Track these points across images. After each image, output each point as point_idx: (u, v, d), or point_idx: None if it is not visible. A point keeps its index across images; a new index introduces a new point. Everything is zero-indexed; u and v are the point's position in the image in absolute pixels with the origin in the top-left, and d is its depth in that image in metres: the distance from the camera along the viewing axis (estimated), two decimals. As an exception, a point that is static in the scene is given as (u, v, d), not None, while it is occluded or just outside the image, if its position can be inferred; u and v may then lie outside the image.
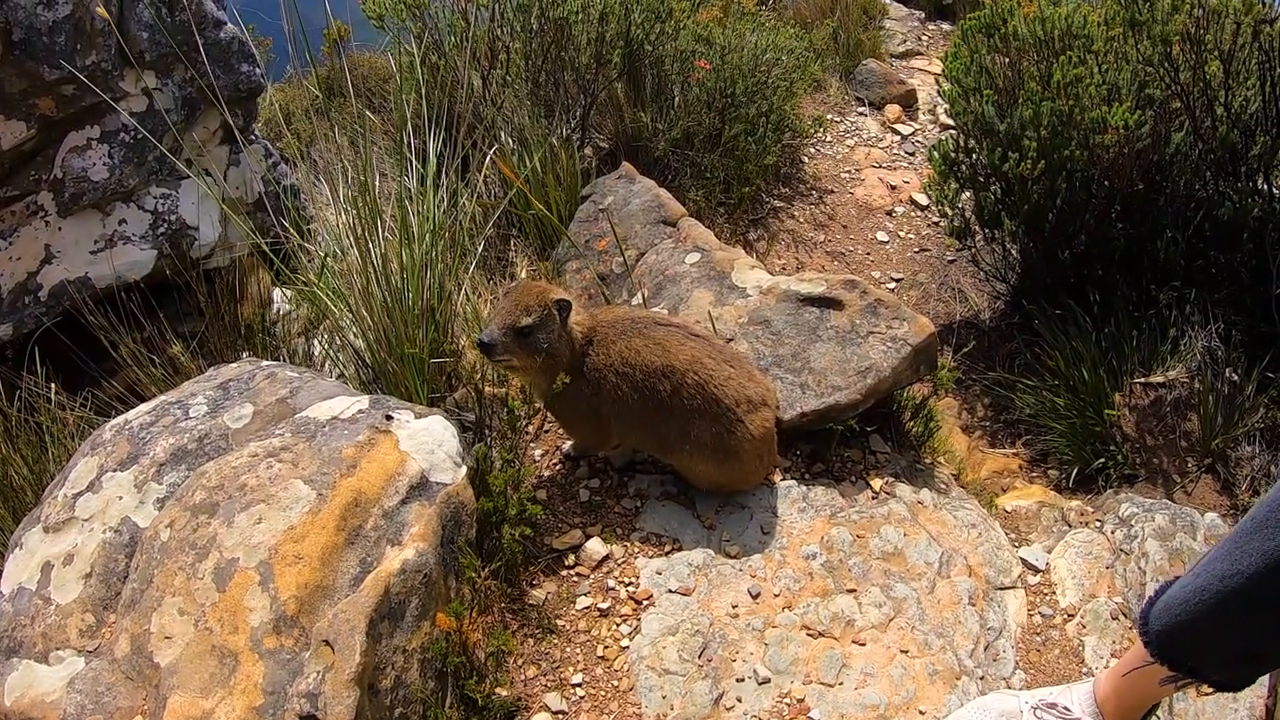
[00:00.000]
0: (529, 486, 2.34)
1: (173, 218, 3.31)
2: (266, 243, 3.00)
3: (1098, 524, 3.05)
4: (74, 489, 2.28)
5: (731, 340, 2.80)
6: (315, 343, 2.88)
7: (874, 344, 2.86)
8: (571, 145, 3.42)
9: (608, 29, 4.00)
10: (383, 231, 2.44)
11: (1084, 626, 2.60)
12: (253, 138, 3.72)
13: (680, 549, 2.37)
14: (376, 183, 2.80)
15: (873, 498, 2.76)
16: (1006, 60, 3.96)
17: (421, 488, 1.93)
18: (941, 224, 4.58)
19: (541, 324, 2.24)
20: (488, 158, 2.81)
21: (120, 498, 2.17)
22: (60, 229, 3.36)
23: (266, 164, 3.61)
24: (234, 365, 2.38)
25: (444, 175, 2.81)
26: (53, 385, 2.85)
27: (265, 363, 2.36)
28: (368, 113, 3.13)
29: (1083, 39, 3.78)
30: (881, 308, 2.93)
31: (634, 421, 2.36)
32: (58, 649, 2.02)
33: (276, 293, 3.17)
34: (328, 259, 2.60)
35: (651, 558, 2.34)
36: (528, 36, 4.00)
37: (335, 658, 1.63)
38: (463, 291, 2.74)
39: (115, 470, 2.24)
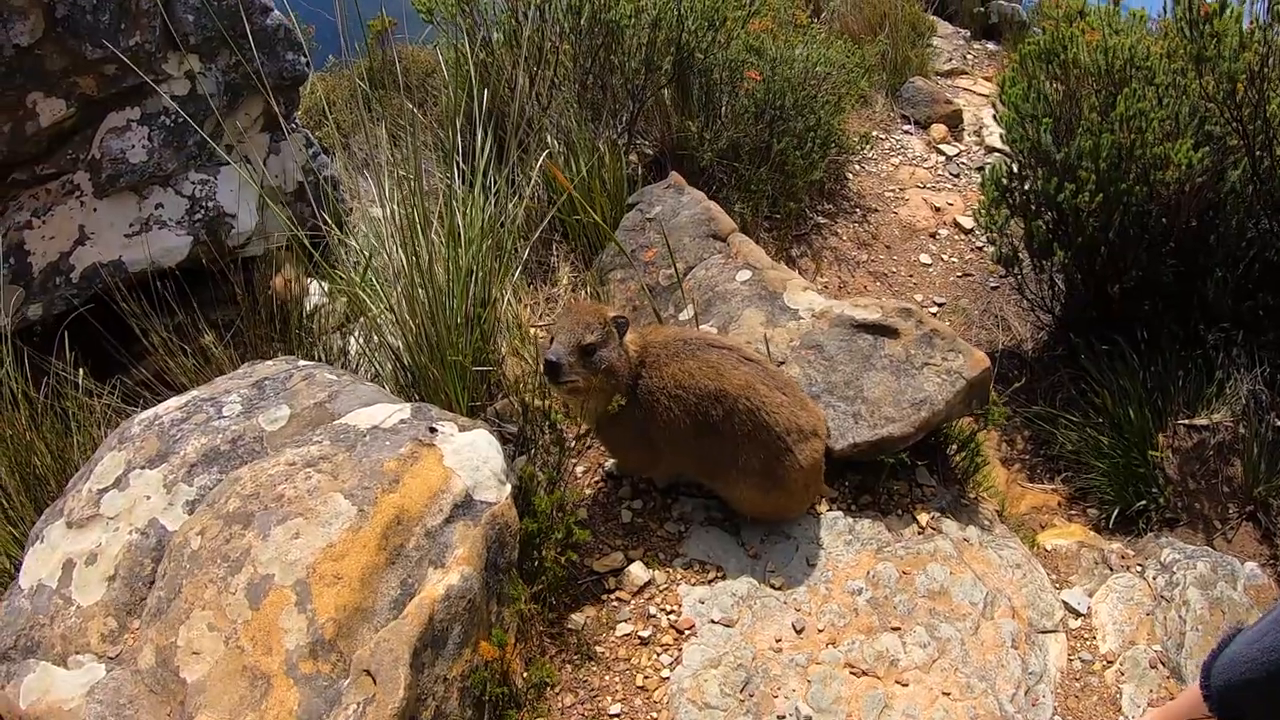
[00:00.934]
0: (572, 507, 2.26)
1: (210, 204, 3.24)
2: (304, 233, 2.93)
3: (1139, 568, 2.99)
4: (99, 484, 2.20)
5: (783, 364, 2.71)
6: (350, 339, 2.80)
7: (929, 375, 2.79)
8: (618, 150, 3.33)
9: (659, 35, 3.92)
10: (430, 233, 2.36)
11: (1123, 674, 2.55)
12: (294, 126, 3.65)
13: (724, 578, 2.31)
14: (424, 183, 2.72)
15: (919, 533, 2.69)
16: (1064, 88, 3.86)
17: (465, 506, 1.84)
18: (987, 250, 4.47)
19: (603, 341, 2.18)
20: (540, 161, 2.72)
21: (148, 497, 2.09)
22: (95, 210, 3.29)
23: (307, 153, 3.54)
24: (270, 363, 2.30)
25: (490, 176, 2.73)
26: (81, 370, 2.77)
27: (302, 363, 2.28)
28: (412, 107, 3.04)
29: (1144, 71, 3.67)
30: (937, 338, 2.86)
31: (683, 445, 2.28)
32: (77, 653, 1.94)
33: (313, 285, 3.09)
34: (370, 257, 2.51)
35: (694, 585, 2.27)
36: (577, 38, 3.92)
37: (377, 690, 1.54)
38: (506, 298, 2.65)
39: (143, 468, 2.16)
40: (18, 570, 2.41)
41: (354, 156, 4.09)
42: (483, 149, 2.89)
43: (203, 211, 3.23)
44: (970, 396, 2.81)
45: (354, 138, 4.27)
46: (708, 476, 2.39)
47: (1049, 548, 3.20)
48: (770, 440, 2.26)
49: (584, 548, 2.22)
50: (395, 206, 2.44)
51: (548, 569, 1.94)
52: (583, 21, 3.97)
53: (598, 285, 2.89)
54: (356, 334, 2.78)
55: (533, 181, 2.82)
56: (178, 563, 1.86)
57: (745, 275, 2.93)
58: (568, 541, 1.96)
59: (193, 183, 3.29)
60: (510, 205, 2.57)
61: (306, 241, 2.65)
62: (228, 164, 3.39)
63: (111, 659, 1.91)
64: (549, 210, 2.94)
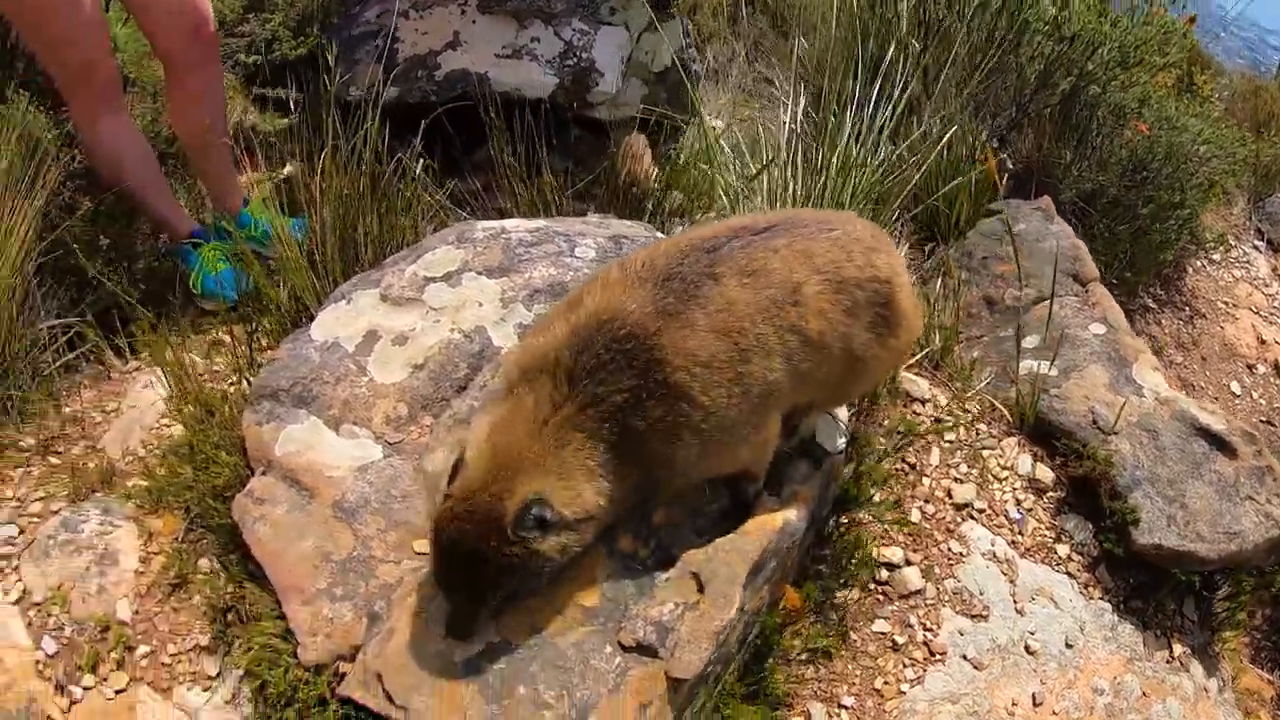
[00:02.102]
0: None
1: (584, 55, 3.23)
2: (659, 113, 2.87)
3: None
4: (427, 271, 2.20)
5: (1116, 433, 2.46)
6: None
7: (1248, 510, 2.58)
8: (992, 152, 3.10)
9: (1068, 51, 3.61)
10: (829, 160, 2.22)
11: None
12: (673, 13, 3.59)
13: (986, 619, 2.19)
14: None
15: (1168, 661, 2.50)
16: None
17: (810, 445, 1.72)
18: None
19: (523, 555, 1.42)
20: (981, 149, 2.52)
21: (480, 304, 2.07)
22: (474, 23, 3.36)
23: (682, 41, 3.47)
24: (628, 223, 2.24)
25: (882, 136, 2.57)
26: (421, 162, 2.81)
27: (659, 235, 2.20)
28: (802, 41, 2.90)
29: None
30: (1269, 477, 2.60)
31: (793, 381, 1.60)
32: (354, 424, 1.93)
33: (654, 170, 3.03)
34: (768, 162, 2.40)
35: (958, 614, 2.15)
36: (979, 22, 3.66)
37: (703, 600, 1.44)
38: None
39: (481, 274, 2.14)
40: (306, 317, 2.49)
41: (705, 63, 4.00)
42: (869, 101, 2.73)
43: (575, 59, 3.23)
44: (1277, 550, 2.56)
45: (709, 44, 4.19)
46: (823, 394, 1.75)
47: (1250, 736, 2.95)
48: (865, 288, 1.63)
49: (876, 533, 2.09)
50: (791, 124, 2.30)
51: (848, 540, 1.80)
52: (990, 12, 3.70)
53: (956, 273, 2.68)
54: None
55: (934, 154, 2.63)
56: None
57: (1099, 330, 2.68)
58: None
59: (574, 30, 3.29)
60: (903, 169, 2.39)
61: (671, 119, 2.56)
62: (610, 25, 3.37)
63: (390, 445, 1.89)
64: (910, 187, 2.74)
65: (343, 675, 1.58)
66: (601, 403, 1.40)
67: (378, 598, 1.61)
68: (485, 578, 1.42)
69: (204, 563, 2.02)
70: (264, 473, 1.88)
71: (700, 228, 1.62)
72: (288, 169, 3.42)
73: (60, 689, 1.84)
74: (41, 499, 2.15)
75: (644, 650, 1.44)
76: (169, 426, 2.36)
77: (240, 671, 1.87)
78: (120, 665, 1.89)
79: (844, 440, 1.84)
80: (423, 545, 1.66)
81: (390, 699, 1.44)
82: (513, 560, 1.39)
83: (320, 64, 3.79)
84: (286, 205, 2.70)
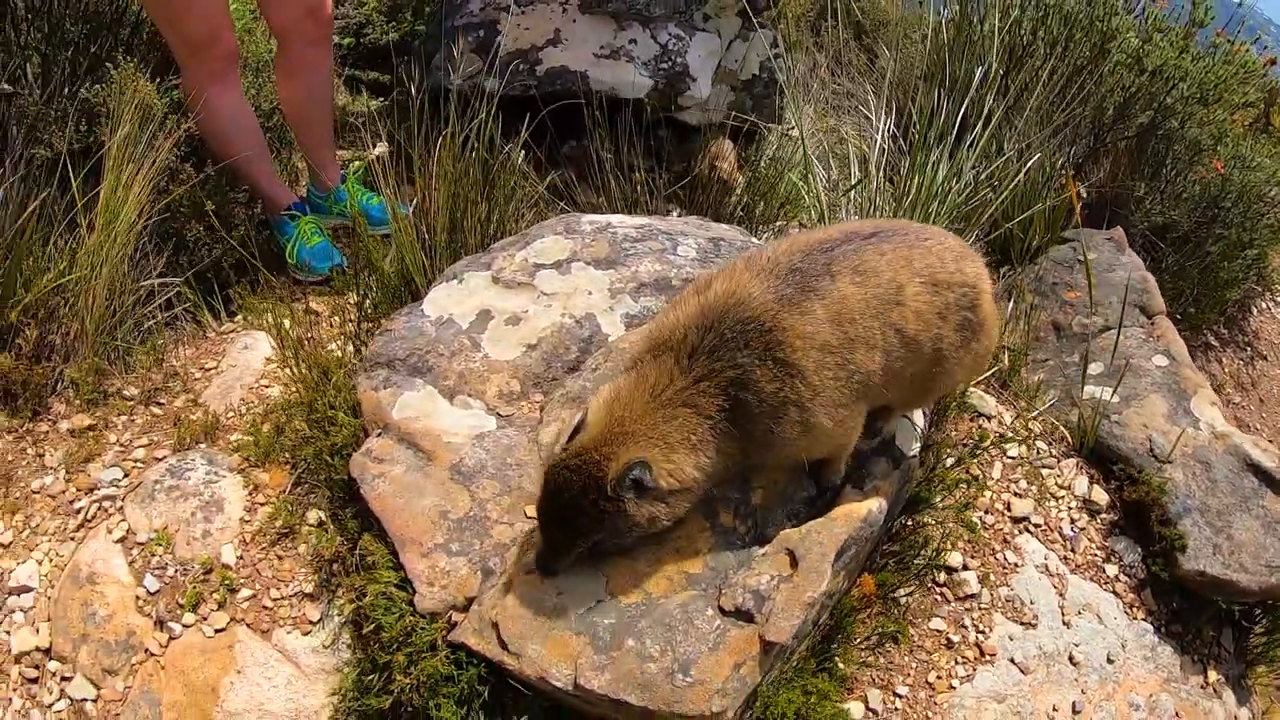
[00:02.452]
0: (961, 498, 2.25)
1: (679, 60, 3.36)
2: (748, 120, 2.98)
3: None
4: (537, 258, 2.34)
5: (1170, 462, 2.55)
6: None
7: None
8: (1069, 179, 3.19)
9: (1148, 84, 3.67)
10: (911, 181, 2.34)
11: None
12: (763, 21, 3.70)
13: (1035, 627, 2.30)
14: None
15: (1202, 687, 2.56)
16: None
17: (889, 444, 1.85)
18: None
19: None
20: (1066, 178, 2.63)
21: (589, 293, 2.21)
22: (575, 21, 3.49)
23: (769, 51, 3.59)
24: (725, 226, 2.38)
25: (965, 155, 2.68)
26: (522, 153, 2.95)
27: (754, 240, 2.33)
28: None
29: None
30: None
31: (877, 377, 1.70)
32: (469, 396, 2.08)
33: (738, 175, 3.16)
34: (858, 182, 2.52)
35: (1009, 620, 2.27)
36: (1062, 49, 3.74)
37: (796, 574, 1.59)
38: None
39: (589, 265, 2.28)
40: (412, 293, 2.63)
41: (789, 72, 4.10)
42: (954, 122, 2.84)
43: (669, 63, 3.36)
44: (1315, 591, 2.61)
45: (791, 54, 4.29)
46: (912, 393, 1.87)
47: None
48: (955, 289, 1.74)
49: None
50: (883, 140, 2.42)
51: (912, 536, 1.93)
52: (1075, 39, 3.78)
53: (1028, 297, 2.79)
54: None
55: (1014, 178, 2.73)
56: (614, 365, 1.97)
57: (1162, 362, 2.77)
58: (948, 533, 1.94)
59: (669, 34, 3.42)
60: (985, 192, 2.50)
61: (764, 127, 2.69)
62: (704, 31, 3.49)
63: (503, 417, 2.04)
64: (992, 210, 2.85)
65: (454, 624, 1.73)
66: (716, 376, 1.57)
67: (492, 555, 1.77)
68: (579, 525, 1.59)
69: (312, 515, 2.15)
70: (380, 435, 2.04)
71: (813, 232, 1.78)
72: (380, 148, 3.59)
73: (160, 624, 1.98)
74: (145, 446, 2.30)
75: (741, 615, 1.59)
76: (268, 388, 2.49)
77: (342, 618, 2.00)
78: (221, 606, 2.02)
79: (919, 445, 1.97)
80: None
81: (504, 646, 1.60)
82: (604, 515, 1.56)
83: (415, 51, 3.96)
84: (389, 186, 2.81)
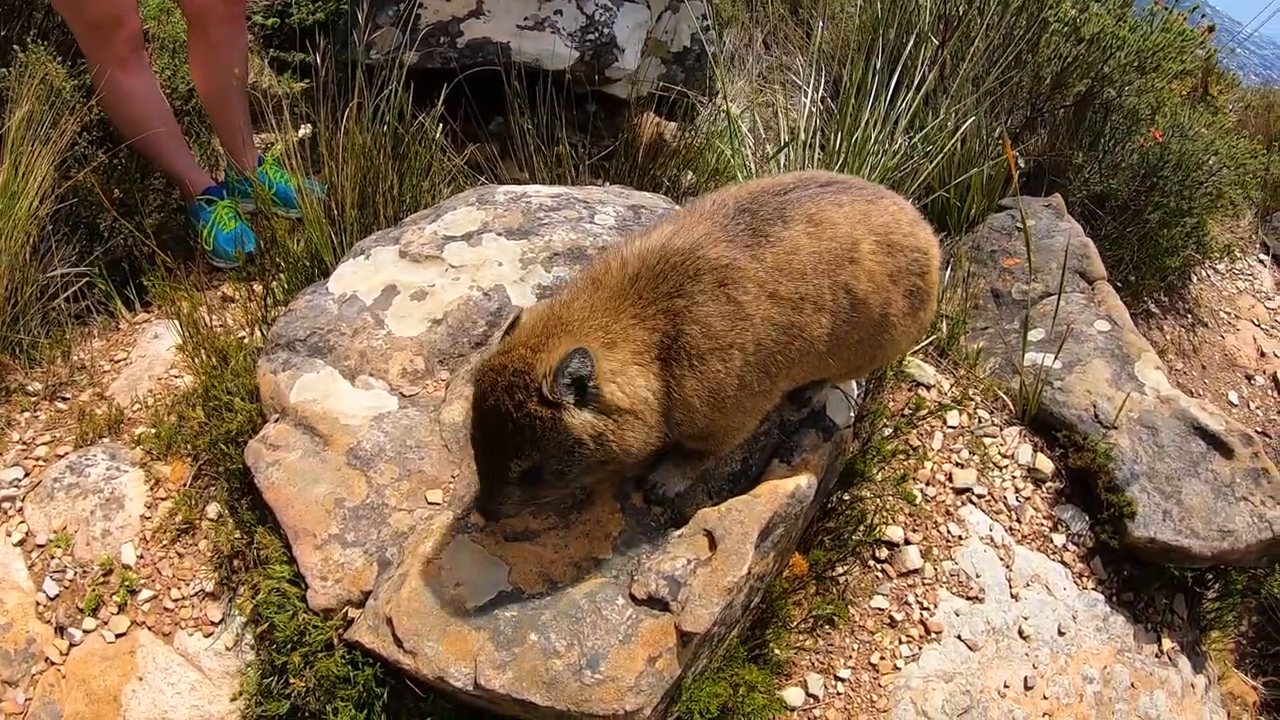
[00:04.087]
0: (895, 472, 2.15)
1: (606, 31, 3.23)
2: (677, 92, 2.87)
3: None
4: (447, 230, 2.21)
5: (1116, 428, 2.48)
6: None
7: (1242, 511, 2.60)
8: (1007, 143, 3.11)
9: (1085, 53, 3.62)
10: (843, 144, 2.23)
11: None
12: (694, -8, 3.59)
13: (982, 602, 2.22)
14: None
15: (1157, 655, 2.53)
16: None
17: (819, 417, 1.74)
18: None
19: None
20: (998, 134, 2.54)
21: (499, 264, 2.08)
22: (498, -8, 3.34)
23: (699, 24, 3.47)
24: (647, 194, 2.25)
25: (898, 126, 2.59)
26: (441, 126, 2.81)
27: (676, 207, 2.21)
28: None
29: None
30: (1265, 479, 2.62)
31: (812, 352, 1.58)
32: (370, 375, 1.95)
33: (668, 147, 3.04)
34: (787, 142, 2.41)
35: (955, 595, 2.19)
36: (997, 20, 3.68)
37: (714, 556, 1.46)
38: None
39: (501, 235, 2.15)
40: (323, 272, 2.49)
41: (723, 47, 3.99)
42: (886, 89, 2.75)
43: (596, 34, 3.22)
44: (1275, 552, 2.60)
45: (728, 28, 4.19)
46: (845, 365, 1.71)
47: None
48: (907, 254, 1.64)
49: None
50: (811, 105, 2.31)
51: (853, 512, 1.82)
52: (1011, 9, 3.72)
53: (965, 264, 2.70)
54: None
55: (949, 145, 2.64)
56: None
57: (1104, 326, 2.70)
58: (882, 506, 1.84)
59: (596, 5, 3.29)
60: (917, 158, 2.41)
61: (695, 100, 2.57)
62: (632, 2, 3.37)
63: (405, 397, 1.91)
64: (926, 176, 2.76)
65: (351, 621, 1.59)
66: (665, 300, 1.38)
67: (390, 545, 1.62)
68: (510, 442, 1.32)
69: (212, 509, 2.03)
70: (278, 420, 1.89)
71: (761, 179, 1.62)
72: (304, 130, 3.42)
73: (60, 631, 1.86)
74: (48, 443, 2.17)
75: (655, 603, 1.46)
76: (178, 378, 2.37)
77: (244, 618, 1.88)
78: (121, 609, 1.90)
79: (853, 415, 1.86)
80: (436, 495, 1.68)
81: (399, 644, 1.46)
82: (539, 425, 1.30)
83: (338, 28, 3.79)
84: (307, 167, 2.70)
